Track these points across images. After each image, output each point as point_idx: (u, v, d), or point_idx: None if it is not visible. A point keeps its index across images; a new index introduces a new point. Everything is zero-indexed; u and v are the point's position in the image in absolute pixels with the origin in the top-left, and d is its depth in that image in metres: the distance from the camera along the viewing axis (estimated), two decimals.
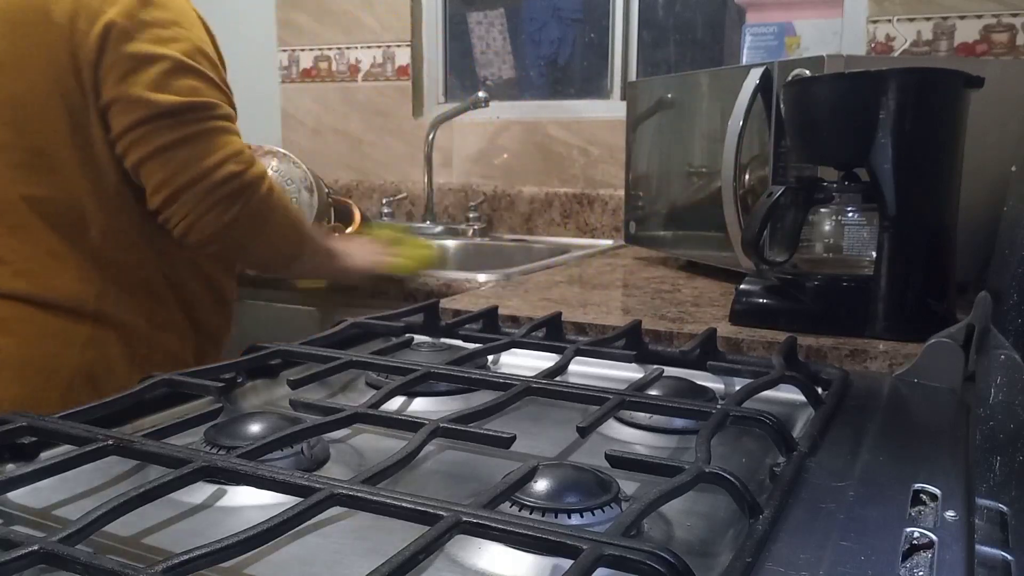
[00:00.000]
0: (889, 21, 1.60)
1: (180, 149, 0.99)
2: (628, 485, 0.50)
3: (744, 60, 1.70)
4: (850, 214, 0.96)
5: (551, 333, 0.84)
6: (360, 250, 1.34)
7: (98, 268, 1.03)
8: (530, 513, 0.44)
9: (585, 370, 0.77)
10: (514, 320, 1.00)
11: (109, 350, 1.01)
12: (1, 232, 1.01)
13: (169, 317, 1.10)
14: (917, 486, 0.50)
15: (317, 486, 0.43)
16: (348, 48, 2.18)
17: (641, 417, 0.63)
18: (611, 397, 0.59)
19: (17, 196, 1.00)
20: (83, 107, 1.01)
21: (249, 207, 1.04)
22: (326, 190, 1.75)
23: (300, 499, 0.42)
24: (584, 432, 0.54)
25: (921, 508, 0.48)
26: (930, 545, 0.43)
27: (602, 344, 0.77)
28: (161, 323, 1.09)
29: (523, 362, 0.81)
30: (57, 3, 0.99)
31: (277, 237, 1.11)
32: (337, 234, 1.46)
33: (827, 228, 0.99)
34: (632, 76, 1.98)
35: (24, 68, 0.99)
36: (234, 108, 1.08)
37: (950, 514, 0.46)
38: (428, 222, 2.00)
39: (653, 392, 0.64)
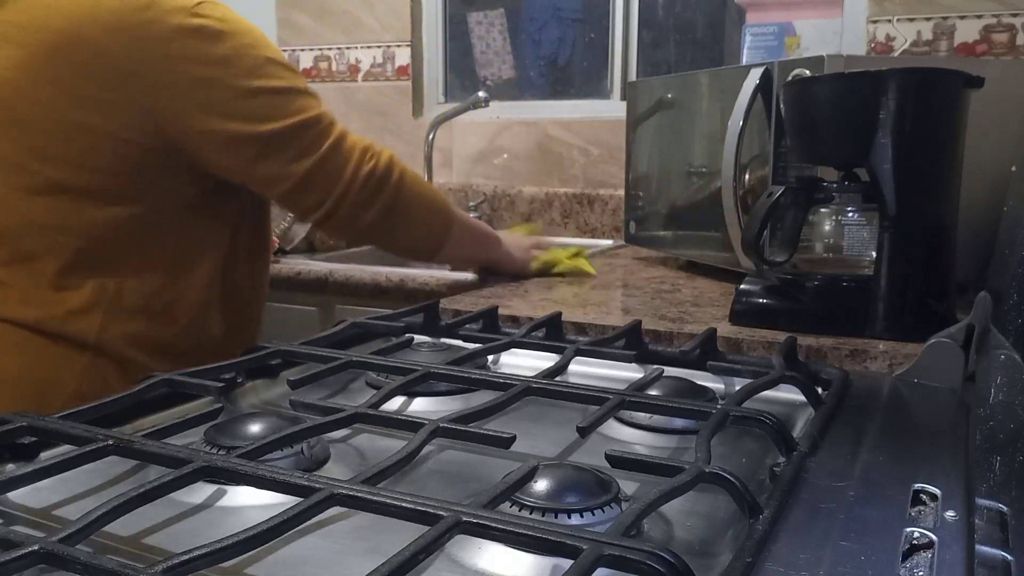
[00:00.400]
0: (889, 21, 1.61)
1: (319, 171, 1.03)
2: (628, 485, 0.50)
3: (744, 60, 1.70)
4: (850, 214, 0.96)
5: (551, 333, 0.84)
6: (514, 241, 1.35)
7: (105, 303, 1.02)
8: (530, 513, 0.44)
9: (585, 370, 0.77)
10: (514, 320, 1.00)
11: (108, 379, 1.01)
12: (12, 259, 0.99)
13: (175, 355, 1.09)
14: (917, 486, 0.50)
15: (317, 486, 0.43)
16: (348, 48, 2.18)
17: (641, 417, 0.63)
18: (611, 397, 0.59)
19: (33, 223, 0.99)
20: (159, 150, 0.99)
21: (387, 198, 1.09)
22: None
23: (300, 499, 0.42)
24: (584, 432, 0.54)
25: (921, 508, 0.48)
26: (930, 545, 0.43)
27: (602, 344, 0.77)
28: (164, 358, 1.08)
29: (523, 362, 0.81)
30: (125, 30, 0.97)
31: (420, 220, 1.14)
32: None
33: (827, 228, 0.99)
34: (632, 76, 1.98)
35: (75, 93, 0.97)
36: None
37: (950, 514, 0.46)
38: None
39: (653, 392, 0.64)
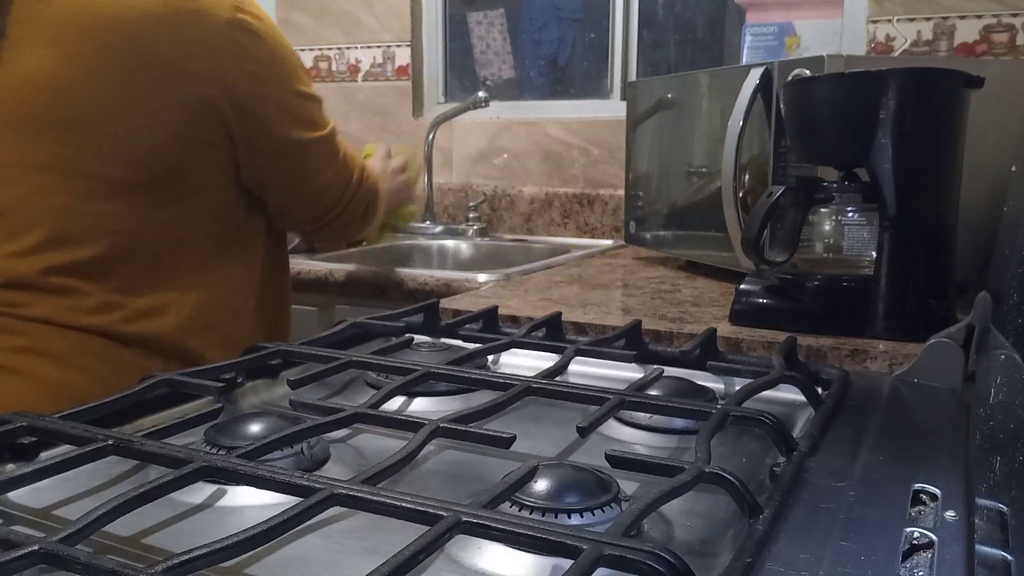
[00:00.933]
0: (889, 21, 1.61)
1: (336, 182, 1.11)
2: (628, 485, 0.50)
3: (744, 60, 1.70)
4: (850, 214, 0.96)
5: (551, 333, 0.84)
6: (383, 180, 1.35)
7: (176, 305, 1.01)
8: (530, 513, 0.44)
9: (585, 370, 0.77)
10: (514, 320, 1.00)
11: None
12: (80, 265, 0.95)
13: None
14: (917, 486, 0.50)
15: (317, 486, 0.43)
16: (348, 48, 2.18)
17: (641, 417, 0.63)
18: (611, 397, 0.59)
19: (96, 228, 0.97)
20: (219, 145, 1.01)
21: (373, 208, 1.18)
22: None
23: (300, 499, 0.42)
24: (584, 432, 0.54)
25: (921, 508, 0.48)
26: (930, 545, 0.43)
27: (602, 344, 0.77)
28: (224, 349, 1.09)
29: (523, 362, 0.81)
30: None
31: (376, 213, 1.23)
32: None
33: (827, 228, 0.99)
34: (632, 76, 1.98)
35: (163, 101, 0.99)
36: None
37: (950, 514, 0.46)
38: (428, 222, 2.00)
39: (653, 392, 0.64)
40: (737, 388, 0.65)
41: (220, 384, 0.63)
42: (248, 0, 1.01)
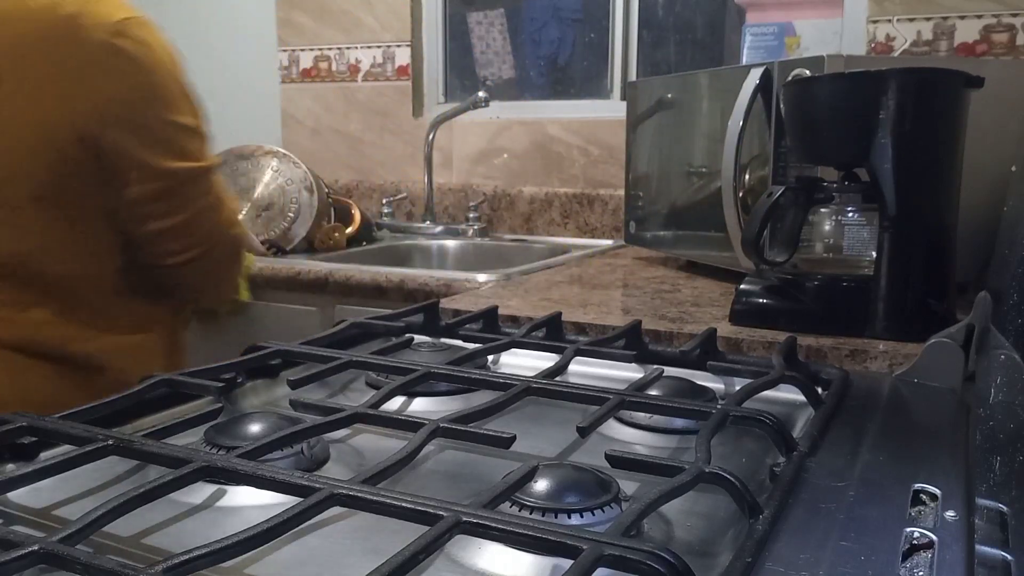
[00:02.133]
0: (889, 21, 1.60)
1: (204, 218, 1.07)
2: (628, 485, 0.50)
3: (744, 60, 1.70)
4: (850, 214, 0.96)
5: (551, 333, 0.84)
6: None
7: (67, 314, 1.03)
8: (530, 513, 0.44)
9: (585, 370, 0.77)
10: (514, 320, 1.00)
11: (78, 388, 1.02)
12: None
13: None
14: (917, 486, 0.50)
15: (317, 486, 0.43)
16: (348, 48, 2.18)
17: (641, 417, 0.63)
18: (611, 397, 0.59)
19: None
20: (83, 162, 1.00)
21: (241, 265, 1.18)
22: (326, 190, 1.75)
23: (300, 499, 0.42)
24: (584, 432, 0.54)
25: (921, 508, 0.48)
26: (930, 545, 0.43)
27: (602, 344, 0.77)
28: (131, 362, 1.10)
29: (523, 362, 0.81)
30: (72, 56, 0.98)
31: (236, 271, 1.22)
32: None
33: (827, 228, 0.99)
34: (632, 76, 1.98)
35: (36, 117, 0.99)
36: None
37: (950, 514, 0.46)
38: (428, 222, 2.00)
39: (653, 392, 0.64)
40: (737, 388, 0.65)
41: (220, 384, 0.63)
42: (135, 23, 1.00)
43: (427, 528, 0.39)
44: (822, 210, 0.97)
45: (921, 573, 0.41)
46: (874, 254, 0.91)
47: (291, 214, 1.64)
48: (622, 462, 0.49)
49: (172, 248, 1.07)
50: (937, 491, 0.49)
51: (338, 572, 0.42)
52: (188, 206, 1.05)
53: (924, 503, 0.49)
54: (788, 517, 0.46)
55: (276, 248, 1.74)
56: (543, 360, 0.76)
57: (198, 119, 1.06)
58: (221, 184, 1.11)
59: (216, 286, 1.20)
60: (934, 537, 0.43)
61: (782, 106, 1.00)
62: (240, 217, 1.23)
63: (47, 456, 0.53)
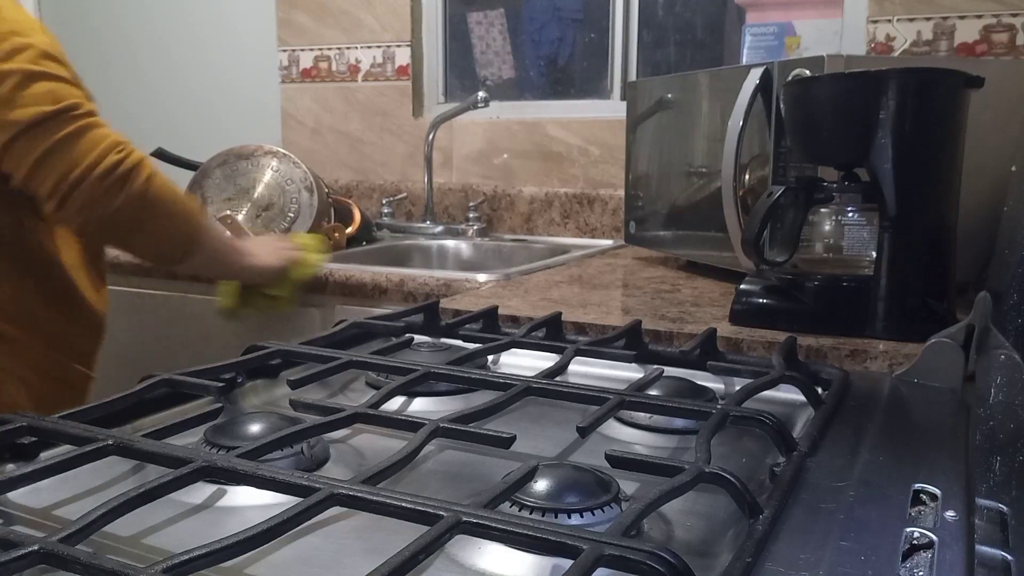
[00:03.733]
0: (889, 21, 1.60)
1: (59, 154, 1.00)
2: (628, 485, 0.50)
3: (744, 60, 1.70)
4: (850, 214, 0.96)
5: (551, 333, 0.84)
6: (264, 247, 1.31)
7: None
8: (530, 513, 0.44)
9: (585, 370, 0.77)
10: (514, 320, 1.00)
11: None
12: None
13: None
14: (917, 486, 0.50)
15: (317, 486, 0.43)
16: (348, 48, 2.18)
17: (641, 417, 0.63)
18: (611, 397, 0.59)
19: None
20: None
21: (133, 192, 1.05)
22: (326, 190, 1.75)
23: (300, 499, 0.42)
24: (584, 432, 0.54)
25: (921, 508, 0.48)
26: (930, 545, 0.43)
27: (602, 344, 0.77)
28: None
29: (523, 362, 0.81)
30: None
31: (166, 223, 1.11)
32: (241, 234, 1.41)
33: (827, 228, 0.99)
34: (632, 76, 1.98)
35: None
36: (93, 102, 1.08)
37: (950, 514, 0.46)
38: (428, 222, 2.00)
39: (653, 392, 0.64)
40: (737, 388, 0.65)
41: (220, 384, 0.63)
42: None
43: (427, 528, 0.39)
44: (822, 210, 0.97)
45: (921, 573, 0.41)
46: (874, 254, 0.91)
47: (291, 214, 1.64)
48: (622, 462, 0.49)
49: (44, 191, 1.02)
50: (937, 491, 0.49)
51: (338, 572, 0.42)
52: (37, 147, 1.01)
53: (924, 503, 0.49)
54: (788, 517, 0.46)
55: None
56: (543, 360, 0.76)
57: (52, 66, 1.04)
58: (88, 126, 1.03)
59: (134, 236, 1.10)
60: (934, 537, 0.43)
61: (782, 106, 1.00)
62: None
63: (47, 456, 0.53)
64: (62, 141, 1.00)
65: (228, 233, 1.32)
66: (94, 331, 1.21)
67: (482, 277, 1.37)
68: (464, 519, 0.39)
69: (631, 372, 0.76)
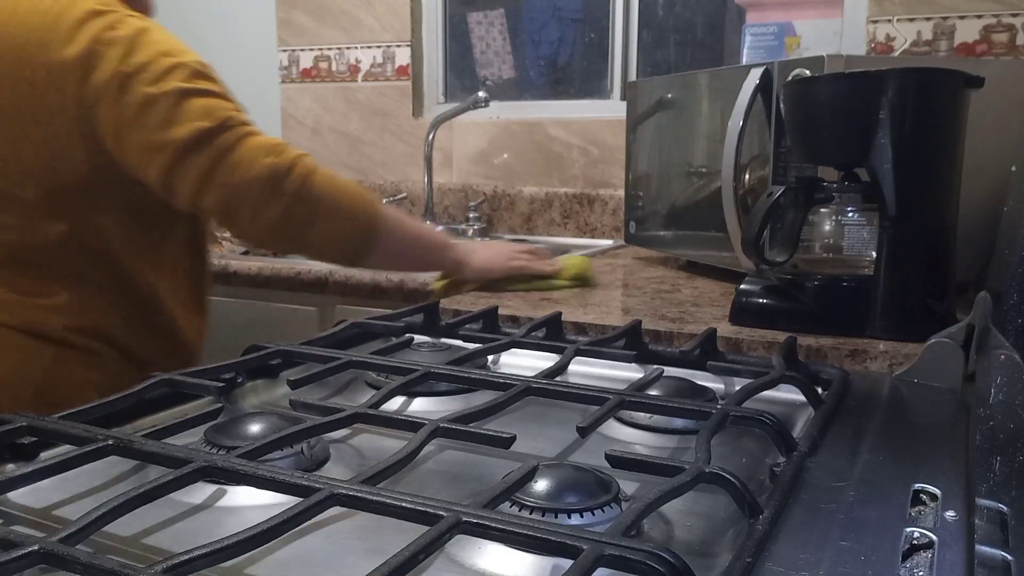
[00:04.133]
0: (889, 21, 1.60)
1: (220, 169, 0.99)
2: (628, 485, 0.50)
3: (744, 60, 1.70)
4: (850, 214, 0.96)
5: (551, 333, 0.84)
6: (489, 249, 1.23)
7: (75, 302, 1.03)
8: (530, 513, 0.44)
9: (585, 370, 0.77)
10: (514, 320, 1.00)
11: (73, 372, 1.02)
12: None
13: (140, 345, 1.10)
14: (917, 486, 0.50)
15: (317, 486, 0.43)
16: (348, 48, 2.18)
17: (641, 417, 0.63)
18: (611, 397, 0.59)
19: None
20: (71, 144, 0.99)
21: (293, 192, 1.02)
22: None
23: (300, 499, 0.42)
24: (584, 432, 0.54)
25: (921, 508, 0.48)
26: (930, 545, 0.43)
27: (602, 344, 0.77)
28: (131, 351, 1.08)
29: (523, 362, 0.81)
30: (48, 63, 0.97)
31: (335, 219, 1.06)
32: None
33: (827, 228, 0.99)
34: (632, 76, 1.98)
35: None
36: (245, 113, 1.07)
37: (950, 514, 0.46)
38: (428, 222, 2.00)
39: (653, 392, 0.64)
40: (737, 388, 0.65)
41: (220, 384, 0.63)
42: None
43: (427, 528, 0.39)
44: (822, 210, 0.97)
45: (921, 573, 0.41)
46: (874, 254, 0.91)
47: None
48: (622, 462, 0.49)
49: (208, 206, 1.02)
50: (937, 491, 0.49)
51: (338, 572, 0.42)
52: (198, 165, 1.00)
53: (924, 503, 0.49)
54: (788, 517, 0.46)
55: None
56: (543, 360, 0.76)
57: (206, 82, 1.05)
58: (245, 135, 1.02)
59: (305, 238, 1.05)
60: (934, 537, 0.43)
61: (782, 106, 1.00)
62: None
63: (47, 456, 0.53)
64: (221, 156, 0.99)
65: (430, 225, 1.26)
66: (185, 363, 1.19)
67: None
68: (464, 519, 0.39)
69: (631, 372, 0.76)
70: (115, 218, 1.03)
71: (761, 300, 0.95)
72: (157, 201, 1.03)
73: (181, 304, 1.13)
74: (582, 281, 1.23)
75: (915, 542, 0.43)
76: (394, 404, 0.66)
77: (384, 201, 2.04)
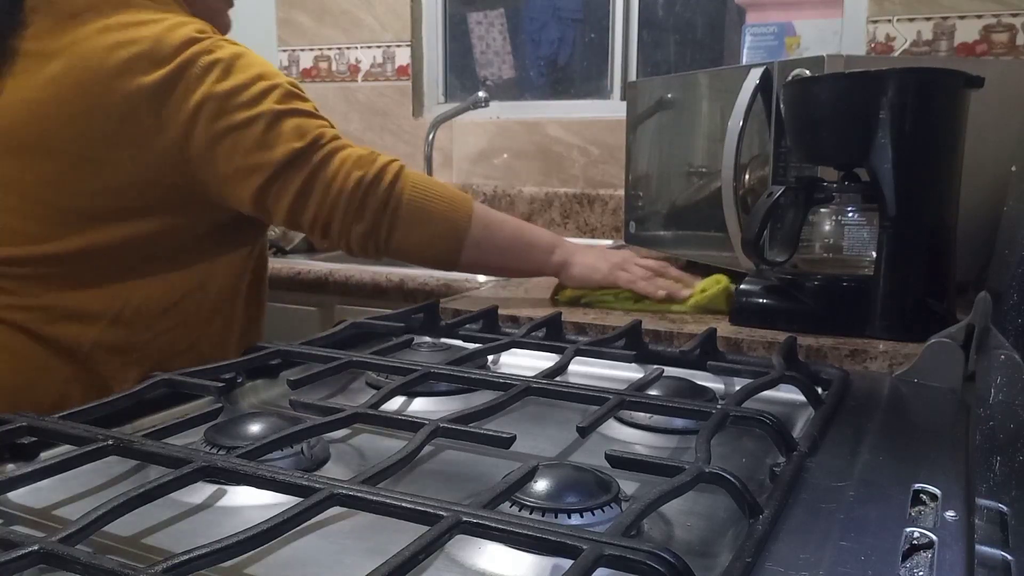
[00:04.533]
0: (889, 21, 1.60)
1: (312, 184, 1.01)
2: (628, 485, 0.50)
3: (744, 60, 1.70)
4: (850, 214, 0.96)
5: (551, 333, 0.84)
6: (590, 255, 1.14)
7: (107, 315, 1.02)
8: (530, 513, 0.44)
9: (585, 370, 0.77)
10: (514, 320, 1.00)
11: (90, 391, 1.01)
12: (25, 276, 0.99)
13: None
14: (917, 486, 0.50)
15: (317, 486, 0.43)
16: (348, 48, 2.18)
17: (641, 417, 0.63)
18: (611, 397, 0.59)
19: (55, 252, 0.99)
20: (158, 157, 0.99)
21: (382, 199, 1.03)
22: None
23: (300, 499, 0.42)
24: (584, 432, 0.54)
25: (921, 508, 0.48)
26: (930, 545, 0.43)
27: (602, 344, 0.77)
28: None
29: (523, 362, 0.81)
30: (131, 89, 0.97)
31: (428, 223, 1.06)
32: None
33: (827, 228, 0.99)
34: (632, 76, 1.98)
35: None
36: (335, 129, 1.08)
37: (950, 514, 0.46)
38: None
39: (653, 392, 0.64)
40: (737, 388, 0.65)
41: (220, 384, 0.63)
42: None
43: (427, 528, 0.39)
44: (822, 210, 0.97)
45: (921, 573, 0.41)
46: (874, 254, 0.91)
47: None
48: (622, 462, 0.49)
49: (306, 223, 1.03)
50: (937, 491, 0.49)
51: (338, 572, 0.42)
52: (292, 184, 1.02)
53: (924, 503, 0.49)
54: (788, 517, 0.46)
55: (276, 248, 1.74)
56: (543, 360, 0.76)
57: (296, 102, 1.06)
58: (334, 150, 1.04)
59: (400, 244, 1.05)
60: (934, 537, 0.43)
61: (782, 106, 1.00)
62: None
63: (47, 456, 0.53)
64: (314, 172, 1.01)
65: (539, 229, 1.18)
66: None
67: (482, 277, 1.37)
68: (464, 519, 0.39)
69: (631, 372, 0.76)
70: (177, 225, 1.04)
71: (761, 300, 0.95)
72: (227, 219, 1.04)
73: (240, 298, 1.14)
74: (711, 309, 1.05)
75: (915, 542, 0.43)
76: (394, 404, 0.66)
77: None
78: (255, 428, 0.55)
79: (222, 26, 1.12)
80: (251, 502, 0.48)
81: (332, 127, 1.06)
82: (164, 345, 1.05)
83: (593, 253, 1.16)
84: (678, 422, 0.61)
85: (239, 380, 0.69)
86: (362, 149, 1.05)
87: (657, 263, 1.16)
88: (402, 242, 1.05)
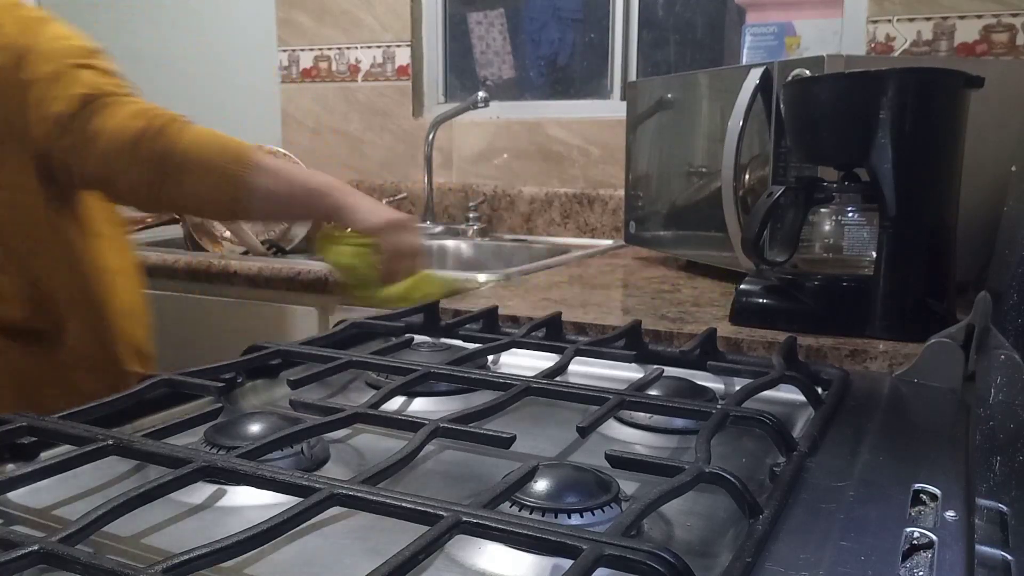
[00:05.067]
0: (889, 21, 1.60)
1: (93, 136, 1.01)
2: (628, 485, 0.50)
3: (744, 60, 1.70)
4: (850, 214, 0.96)
5: (551, 333, 0.84)
6: (367, 200, 1.11)
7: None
8: (530, 513, 0.44)
9: (585, 370, 0.77)
10: (514, 320, 1.00)
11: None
12: None
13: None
14: (917, 486, 0.50)
15: (317, 486, 0.43)
16: (348, 48, 2.18)
17: (641, 417, 0.63)
18: (611, 397, 0.59)
19: None
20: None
21: (158, 150, 1.02)
22: None
23: (300, 499, 0.42)
24: (584, 432, 0.54)
25: (921, 508, 0.48)
26: (930, 545, 0.43)
27: (602, 344, 0.77)
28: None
29: (523, 362, 0.81)
30: None
31: (203, 173, 1.04)
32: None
33: (827, 228, 0.99)
34: (632, 76, 1.98)
35: None
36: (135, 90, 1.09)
37: (950, 514, 0.46)
38: (428, 222, 2.00)
39: (653, 392, 0.64)
40: (737, 388, 0.65)
41: (220, 384, 0.63)
42: None
43: (427, 528, 0.39)
44: (822, 210, 0.97)
45: (921, 573, 0.41)
46: (874, 254, 0.91)
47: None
48: (622, 462, 0.49)
49: (85, 167, 1.04)
50: (937, 491, 0.49)
51: (338, 572, 0.42)
52: (79, 132, 1.03)
53: (924, 503, 0.49)
54: (788, 517, 0.46)
55: (276, 248, 1.74)
56: (543, 360, 0.76)
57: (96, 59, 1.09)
58: (120, 102, 1.05)
59: (174, 195, 1.05)
60: (934, 537, 0.43)
61: (782, 106, 1.00)
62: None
63: (47, 456, 0.53)
64: (93, 122, 1.01)
65: (308, 171, 1.17)
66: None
67: (482, 277, 1.37)
68: (464, 519, 0.39)
69: (631, 372, 0.75)
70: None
71: (761, 300, 0.95)
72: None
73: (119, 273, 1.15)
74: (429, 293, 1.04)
75: (915, 542, 0.43)
76: (394, 404, 0.66)
77: (384, 201, 2.05)
78: (255, 428, 0.55)
79: None
80: (251, 502, 0.48)
81: (126, 87, 1.08)
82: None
83: (365, 198, 1.12)
84: (678, 422, 0.61)
85: (239, 380, 0.69)
86: (147, 104, 1.06)
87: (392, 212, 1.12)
88: (186, 191, 1.05)
